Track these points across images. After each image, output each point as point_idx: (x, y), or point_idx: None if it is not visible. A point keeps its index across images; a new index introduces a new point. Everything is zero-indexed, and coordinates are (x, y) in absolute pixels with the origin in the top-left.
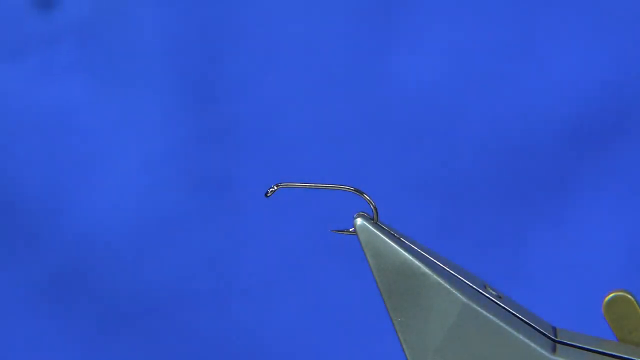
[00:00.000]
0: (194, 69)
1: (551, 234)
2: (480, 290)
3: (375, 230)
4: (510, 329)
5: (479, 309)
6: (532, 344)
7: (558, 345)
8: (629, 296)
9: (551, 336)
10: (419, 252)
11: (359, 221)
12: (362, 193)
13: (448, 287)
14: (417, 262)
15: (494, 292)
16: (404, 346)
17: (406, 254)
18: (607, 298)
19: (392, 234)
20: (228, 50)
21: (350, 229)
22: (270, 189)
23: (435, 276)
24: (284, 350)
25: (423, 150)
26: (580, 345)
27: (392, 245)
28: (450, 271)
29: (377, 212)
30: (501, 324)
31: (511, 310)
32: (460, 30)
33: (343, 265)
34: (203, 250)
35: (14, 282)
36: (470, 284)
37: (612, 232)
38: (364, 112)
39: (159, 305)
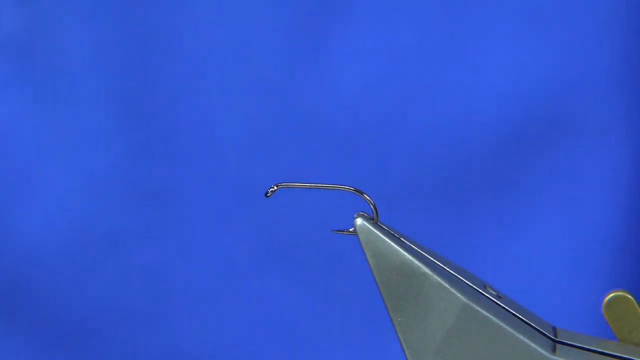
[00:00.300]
0: (127, 82)
1: (497, 234)
2: (480, 290)
3: (375, 230)
4: (510, 329)
5: (479, 309)
6: (532, 344)
7: (558, 345)
8: (629, 296)
9: (551, 336)
10: (419, 252)
11: (359, 221)
12: (362, 193)
13: (448, 287)
14: (417, 262)
15: (494, 292)
16: (404, 346)
17: (406, 254)
18: (607, 298)
19: (392, 234)
20: (162, 61)
21: (350, 229)
22: (270, 189)
23: (435, 276)
24: None
25: (359, 157)
26: (580, 345)
27: (392, 245)
28: (450, 271)
29: (377, 212)
30: (501, 324)
31: (511, 310)
32: (394, 33)
33: (288, 274)
34: (143, 266)
35: None
36: (470, 284)
37: (557, 229)
38: (298, 118)
39: (100, 323)
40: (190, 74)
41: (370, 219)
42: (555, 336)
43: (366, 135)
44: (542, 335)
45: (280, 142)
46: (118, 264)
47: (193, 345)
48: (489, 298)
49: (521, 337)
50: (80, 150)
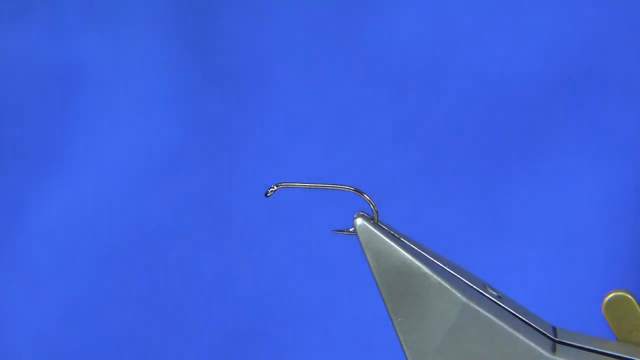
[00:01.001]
0: (191, 20)
1: (532, 180)
2: (480, 290)
3: (375, 230)
4: (510, 329)
5: (479, 309)
6: (532, 344)
7: (558, 345)
8: (629, 296)
9: (551, 336)
10: (419, 252)
11: (359, 221)
12: (362, 193)
13: (448, 287)
14: (417, 262)
15: (494, 292)
16: (404, 346)
17: (406, 254)
18: (607, 298)
19: (392, 234)
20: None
21: (350, 229)
22: (270, 189)
23: (435, 276)
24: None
25: (407, 102)
26: (580, 345)
27: (392, 245)
28: (450, 271)
29: (377, 212)
30: (501, 324)
31: (511, 310)
32: None
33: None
34: (200, 189)
35: None
36: (470, 284)
37: (591, 181)
38: (352, 64)
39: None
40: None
41: (370, 219)
42: (555, 336)
43: (413, 84)
44: (542, 335)
45: (334, 88)
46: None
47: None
48: (489, 298)
49: (521, 337)
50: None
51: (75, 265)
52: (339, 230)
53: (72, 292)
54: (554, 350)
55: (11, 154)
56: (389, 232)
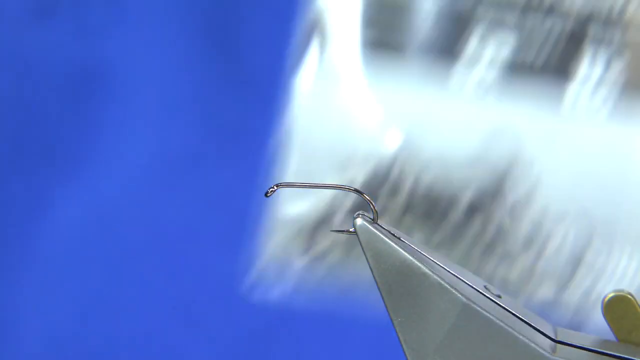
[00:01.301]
0: (215, 21)
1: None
2: (480, 290)
3: (375, 230)
4: (510, 329)
5: (479, 309)
6: (532, 344)
7: (558, 345)
8: (629, 296)
9: (551, 336)
10: (419, 252)
11: (359, 221)
12: (362, 193)
13: (448, 287)
14: (417, 262)
15: (494, 292)
16: (404, 346)
17: (406, 254)
18: (607, 298)
19: (392, 234)
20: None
21: (350, 229)
22: (270, 189)
23: (435, 276)
24: None
25: None
26: (580, 345)
27: (392, 245)
28: (450, 271)
29: (377, 212)
30: (501, 324)
31: (511, 310)
32: None
33: None
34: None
35: None
36: (470, 284)
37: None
38: None
39: None
40: (276, 22)
41: (370, 219)
42: (555, 336)
43: None
44: (542, 335)
45: None
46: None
47: None
48: (489, 298)
49: (521, 337)
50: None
51: (94, 265)
52: (338, 230)
53: (90, 291)
54: (554, 350)
55: (36, 154)
56: (388, 232)
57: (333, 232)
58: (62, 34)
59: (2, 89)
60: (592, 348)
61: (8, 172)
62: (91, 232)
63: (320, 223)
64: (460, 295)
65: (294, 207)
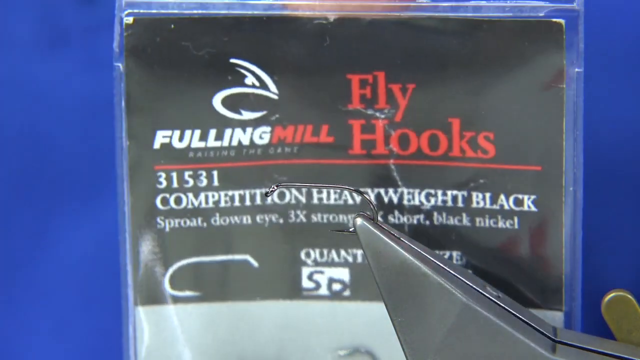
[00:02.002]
0: None
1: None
2: (480, 290)
3: (375, 230)
4: (510, 329)
5: (479, 309)
6: (532, 344)
7: (558, 345)
8: (629, 296)
9: (551, 336)
10: (419, 252)
11: (359, 221)
12: (362, 193)
13: (448, 287)
14: (417, 262)
15: (494, 292)
16: (404, 346)
17: (406, 254)
18: (606, 298)
19: (392, 234)
20: None
21: (350, 229)
22: (270, 189)
23: (435, 276)
24: None
25: None
26: (580, 345)
27: (392, 245)
28: (450, 271)
29: (377, 212)
30: (501, 324)
31: (511, 310)
32: None
33: None
34: None
35: None
36: (470, 284)
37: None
38: None
39: None
40: None
41: (371, 219)
42: (555, 336)
43: None
44: (542, 335)
45: None
46: None
47: None
48: (489, 298)
49: (521, 337)
50: None
51: (100, 302)
52: (339, 230)
53: (95, 326)
54: (554, 350)
55: (45, 185)
56: (389, 232)
57: (333, 232)
58: (74, 64)
59: (12, 119)
60: (592, 348)
61: (17, 203)
62: (100, 265)
63: None
64: (460, 295)
65: None
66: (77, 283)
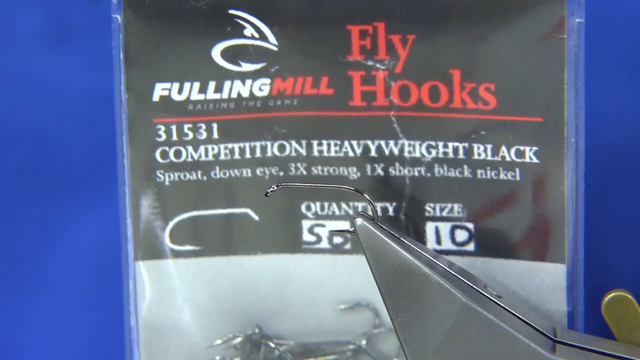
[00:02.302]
0: None
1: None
2: (481, 291)
3: (375, 230)
4: (510, 329)
5: (479, 309)
6: (532, 344)
7: (558, 345)
8: (629, 296)
9: (551, 336)
10: (419, 252)
11: (359, 221)
12: (362, 193)
13: (448, 287)
14: (417, 262)
15: (494, 292)
16: (404, 346)
17: (406, 254)
18: (606, 298)
19: (392, 234)
20: None
21: (351, 229)
22: (270, 189)
23: (435, 276)
24: None
25: None
26: (580, 345)
27: (392, 245)
28: (450, 271)
29: (377, 212)
30: (501, 324)
31: (511, 310)
32: None
33: None
34: None
35: None
36: (471, 284)
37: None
38: None
39: None
40: None
41: (370, 219)
42: (555, 336)
43: None
44: (542, 335)
45: None
46: None
47: None
48: (489, 298)
49: (521, 337)
50: None
51: (105, 298)
52: (339, 230)
53: (99, 324)
54: (554, 350)
55: (50, 181)
56: (389, 232)
57: (333, 232)
58: (78, 59)
59: (17, 115)
60: (592, 348)
61: (22, 199)
62: (106, 261)
63: None
64: (460, 295)
65: None
66: (83, 276)
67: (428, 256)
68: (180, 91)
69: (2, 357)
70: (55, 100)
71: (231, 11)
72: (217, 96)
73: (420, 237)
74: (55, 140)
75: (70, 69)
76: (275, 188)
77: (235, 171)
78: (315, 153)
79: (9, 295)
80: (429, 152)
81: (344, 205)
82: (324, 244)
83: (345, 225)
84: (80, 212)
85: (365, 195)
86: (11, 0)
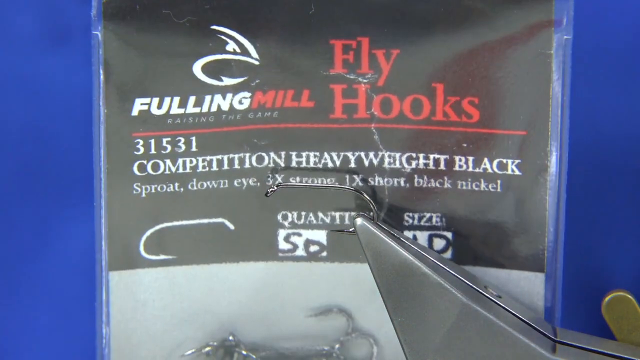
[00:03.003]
0: None
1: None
2: (480, 290)
3: (375, 230)
4: (510, 329)
5: (479, 309)
6: (532, 344)
7: (558, 345)
8: (629, 296)
9: (551, 336)
10: (419, 252)
11: (359, 221)
12: (362, 193)
13: (448, 287)
14: (417, 262)
15: (494, 292)
16: (404, 346)
17: (406, 254)
18: (607, 298)
19: (392, 234)
20: None
21: (351, 229)
22: (270, 189)
23: (435, 276)
24: None
25: None
26: (580, 345)
27: (392, 245)
28: (450, 271)
29: (377, 212)
30: (501, 324)
31: (511, 310)
32: None
33: None
34: None
35: None
36: (470, 284)
37: None
38: None
39: None
40: None
41: (370, 219)
42: (555, 336)
43: None
44: (542, 335)
45: None
46: None
47: None
48: (489, 298)
49: (521, 337)
50: None
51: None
52: (339, 230)
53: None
54: (554, 350)
55: (49, 181)
56: (389, 232)
57: (333, 232)
58: (76, 60)
59: (15, 115)
60: (592, 348)
61: (20, 199)
62: (84, 269)
63: None
64: (460, 295)
65: None
66: (79, 277)
67: (428, 256)
68: (160, 106)
69: None
70: (53, 100)
71: (213, 27)
72: (197, 110)
73: None
74: (53, 140)
75: (67, 70)
76: (276, 188)
77: (213, 182)
78: (294, 164)
79: (6, 294)
80: (409, 163)
81: (320, 214)
82: (300, 252)
83: (321, 234)
84: (77, 212)
85: (366, 196)
86: (9, 1)
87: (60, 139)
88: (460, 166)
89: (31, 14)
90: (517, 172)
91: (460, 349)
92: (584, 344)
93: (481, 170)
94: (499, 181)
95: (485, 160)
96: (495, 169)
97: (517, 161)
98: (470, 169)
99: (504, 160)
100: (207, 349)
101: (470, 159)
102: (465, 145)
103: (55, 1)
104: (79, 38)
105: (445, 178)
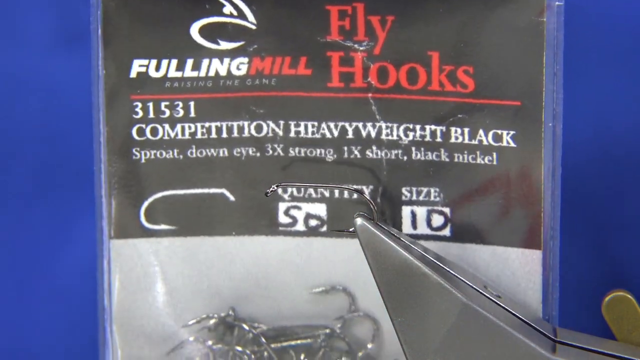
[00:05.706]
0: None
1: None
2: (480, 290)
3: (375, 230)
4: (510, 329)
5: (479, 309)
6: (532, 344)
7: (558, 345)
8: (629, 296)
9: (551, 336)
10: (419, 252)
11: (359, 221)
12: (362, 193)
13: (448, 287)
14: (417, 262)
15: (494, 292)
16: (404, 346)
17: (406, 254)
18: (607, 298)
19: (392, 234)
20: None
21: (350, 229)
22: (270, 189)
23: (435, 276)
24: None
25: None
26: (580, 345)
27: (392, 245)
28: (450, 271)
29: (376, 212)
30: (501, 324)
31: (511, 310)
32: None
33: None
34: None
35: None
36: (470, 284)
37: None
38: None
39: None
40: None
41: (370, 219)
42: (555, 336)
43: None
44: (542, 335)
45: None
46: None
47: None
48: (489, 298)
49: (521, 337)
50: None
51: None
52: (339, 230)
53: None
54: (554, 350)
55: (61, 181)
56: (389, 232)
57: (333, 232)
58: (89, 60)
59: (28, 115)
60: (592, 348)
61: (32, 199)
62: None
63: None
64: (460, 295)
65: None
66: (83, 277)
67: (428, 256)
68: (157, 68)
69: None
70: (66, 101)
71: None
72: (195, 74)
73: (397, 221)
74: (67, 140)
75: (81, 70)
76: (275, 188)
77: (212, 150)
78: (292, 134)
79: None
80: (406, 135)
81: (320, 188)
82: (300, 226)
83: (321, 208)
84: (90, 212)
85: (366, 196)
86: (22, 2)
87: (75, 138)
88: (456, 138)
89: (45, 15)
90: (512, 144)
91: (460, 349)
92: (583, 343)
93: (477, 142)
94: (494, 154)
95: (481, 131)
96: (491, 141)
97: (512, 132)
98: (466, 141)
99: (499, 132)
100: (211, 321)
101: (466, 130)
102: (460, 116)
103: (68, 1)
104: (90, 39)
105: (442, 150)
